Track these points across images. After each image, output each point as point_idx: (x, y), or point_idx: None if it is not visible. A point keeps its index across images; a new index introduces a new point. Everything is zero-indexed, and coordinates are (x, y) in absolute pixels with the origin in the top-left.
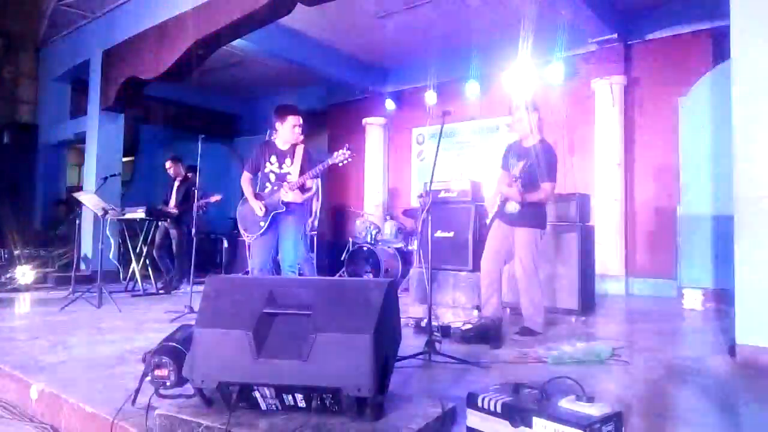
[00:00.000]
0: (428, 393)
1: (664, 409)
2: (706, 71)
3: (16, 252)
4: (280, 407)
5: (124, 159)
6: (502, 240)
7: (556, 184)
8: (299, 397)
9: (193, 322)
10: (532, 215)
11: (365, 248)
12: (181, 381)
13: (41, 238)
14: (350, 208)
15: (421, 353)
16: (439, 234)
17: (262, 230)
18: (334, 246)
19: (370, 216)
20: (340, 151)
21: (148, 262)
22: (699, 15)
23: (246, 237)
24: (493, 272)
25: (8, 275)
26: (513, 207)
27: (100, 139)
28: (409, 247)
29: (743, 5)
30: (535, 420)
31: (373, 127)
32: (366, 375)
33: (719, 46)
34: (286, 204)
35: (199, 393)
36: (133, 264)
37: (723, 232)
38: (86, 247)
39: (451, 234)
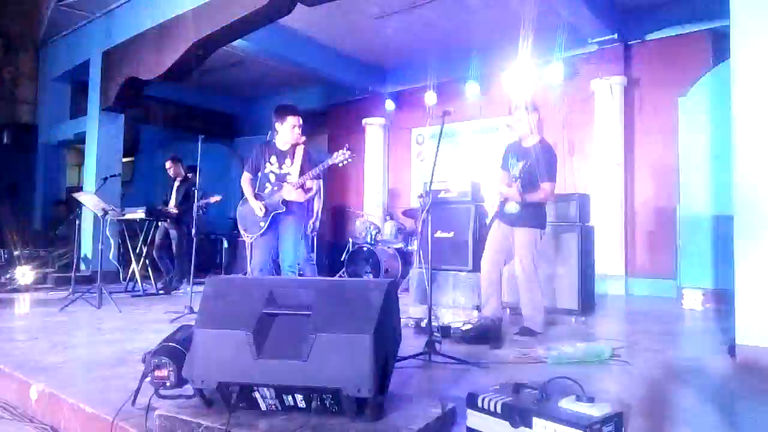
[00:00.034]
0: (428, 393)
1: (664, 409)
2: (705, 71)
3: (16, 252)
4: (280, 408)
5: (124, 159)
6: (502, 240)
7: (555, 184)
8: (299, 397)
9: (193, 323)
10: (532, 215)
11: (365, 248)
12: (181, 381)
13: (41, 239)
14: (350, 208)
15: (421, 353)
16: (439, 234)
17: (262, 230)
18: (334, 246)
19: (370, 216)
20: (340, 152)
21: (148, 262)
22: (699, 15)
23: (246, 237)
24: (493, 272)
25: (8, 276)
26: (513, 207)
27: (100, 139)
28: (409, 248)
29: (743, 5)
30: (535, 420)
31: (373, 128)
32: (366, 375)
33: (719, 46)
34: (286, 204)
35: (198, 393)
36: (133, 264)
37: (723, 232)
38: (86, 247)
39: (451, 234)
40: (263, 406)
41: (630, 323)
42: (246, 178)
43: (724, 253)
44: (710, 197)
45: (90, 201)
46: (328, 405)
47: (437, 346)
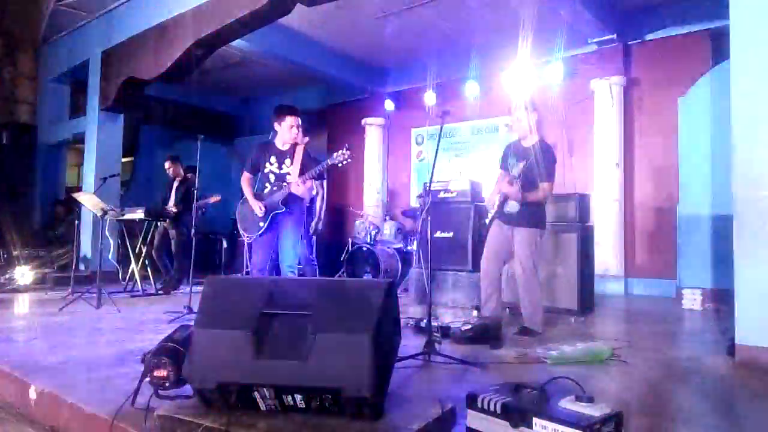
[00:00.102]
0: (428, 393)
1: (663, 409)
2: (705, 71)
3: (15, 252)
4: (279, 408)
5: (124, 159)
6: (501, 240)
7: (553, 183)
8: (299, 397)
9: (192, 323)
10: (531, 215)
11: (365, 248)
12: (180, 381)
13: (40, 239)
14: (350, 208)
15: (420, 353)
16: (438, 234)
17: (262, 230)
18: (334, 246)
19: (370, 216)
20: (340, 152)
21: (147, 262)
22: (699, 15)
23: (245, 237)
24: (492, 272)
25: (7, 276)
26: (513, 207)
27: (99, 139)
28: (409, 248)
29: (743, 5)
30: (535, 420)
31: (373, 128)
32: (366, 375)
33: (719, 46)
34: (286, 204)
35: (198, 393)
36: (133, 264)
37: (722, 232)
38: (85, 247)
39: (451, 234)
40: (263, 407)
41: (629, 323)
42: (246, 178)
43: (723, 253)
44: (710, 197)
45: (89, 201)
46: (327, 405)
47: (437, 346)
